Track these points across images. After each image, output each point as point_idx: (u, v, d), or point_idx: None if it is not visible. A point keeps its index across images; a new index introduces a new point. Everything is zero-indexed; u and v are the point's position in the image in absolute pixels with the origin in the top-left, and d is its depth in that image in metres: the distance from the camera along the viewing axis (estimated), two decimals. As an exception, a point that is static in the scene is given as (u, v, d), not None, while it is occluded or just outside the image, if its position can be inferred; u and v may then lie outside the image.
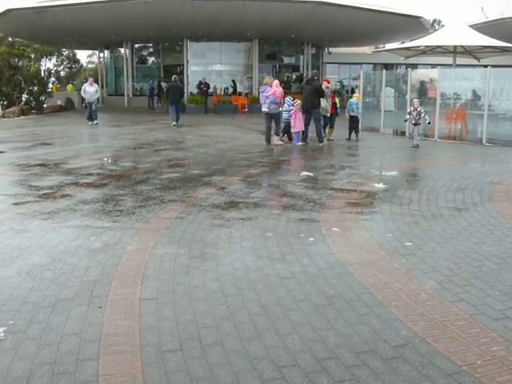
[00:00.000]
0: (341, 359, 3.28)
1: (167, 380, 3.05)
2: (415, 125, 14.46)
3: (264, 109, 14.80)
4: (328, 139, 15.63)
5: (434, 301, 4.15)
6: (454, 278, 4.62)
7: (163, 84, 30.18)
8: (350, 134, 16.20)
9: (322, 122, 15.16)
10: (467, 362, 3.24)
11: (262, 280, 4.57)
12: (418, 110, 14.39)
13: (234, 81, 33.88)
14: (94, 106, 21.85)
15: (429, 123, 14.80)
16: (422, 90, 17.93)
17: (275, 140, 14.67)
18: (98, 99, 23.02)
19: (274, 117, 14.66)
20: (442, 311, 3.95)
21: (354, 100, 16.61)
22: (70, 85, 43.08)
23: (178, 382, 3.02)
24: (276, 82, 14.99)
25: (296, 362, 3.24)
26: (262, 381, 3.04)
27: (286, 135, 15.50)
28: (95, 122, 21.63)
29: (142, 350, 3.38)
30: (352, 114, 16.22)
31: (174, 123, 20.59)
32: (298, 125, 14.80)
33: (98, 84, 26.43)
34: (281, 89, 14.98)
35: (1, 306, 4.00)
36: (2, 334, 3.55)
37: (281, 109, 14.87)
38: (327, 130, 15.84)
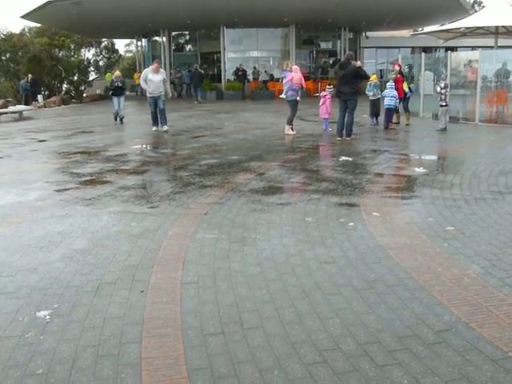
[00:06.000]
0: (383, 343, 3.25)
1: (209, 363, 3.06)
2: (442, 106, 14.10)
3: (281, 95, 14.21)
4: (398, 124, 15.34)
5: (478, 285, 4.07)
6: (497, 263, 4.53)
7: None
8: (372, 118, 15.77)
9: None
10: (513, 348, 3.17)
11: (302, 264, 4.56)
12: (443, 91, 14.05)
13: (255, 67, 33.69)
14: (161, 104, 15.02)
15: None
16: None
17: (286, 129, 13.80)
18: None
19: (289, 104, 13.70)
20: (486, 296, 3.88)
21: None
22: (109, 74, 43.54)
23: (220, 365, 3.04)
24: (295, 67, 13.98)
25: (338, 346, 3.22)
26: (304, 364, 3.04)
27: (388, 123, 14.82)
28: (165, 127, 15.15)
29: (183, 333, 3.40)
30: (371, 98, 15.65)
31: (196, 101, 27.18)
32: (326, 111, 14.21)
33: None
34: (299, 74, 13.62)
35: (46, 289, 4.07)
36: (48, 317, 3.62)
37: (298, 98, 13.64)
38: (394, 115, 15.36)
